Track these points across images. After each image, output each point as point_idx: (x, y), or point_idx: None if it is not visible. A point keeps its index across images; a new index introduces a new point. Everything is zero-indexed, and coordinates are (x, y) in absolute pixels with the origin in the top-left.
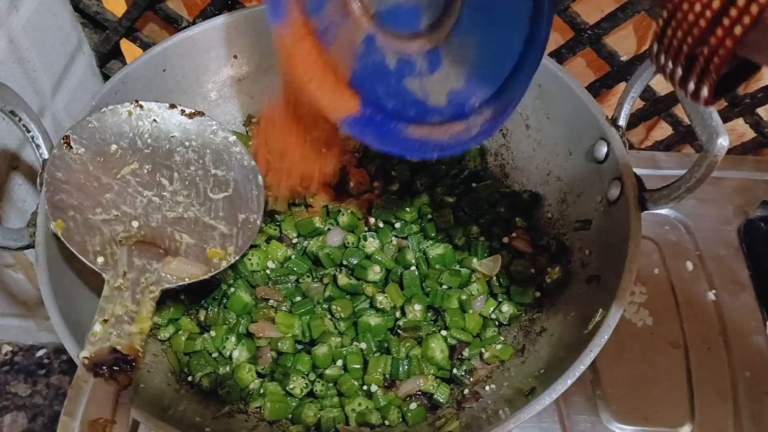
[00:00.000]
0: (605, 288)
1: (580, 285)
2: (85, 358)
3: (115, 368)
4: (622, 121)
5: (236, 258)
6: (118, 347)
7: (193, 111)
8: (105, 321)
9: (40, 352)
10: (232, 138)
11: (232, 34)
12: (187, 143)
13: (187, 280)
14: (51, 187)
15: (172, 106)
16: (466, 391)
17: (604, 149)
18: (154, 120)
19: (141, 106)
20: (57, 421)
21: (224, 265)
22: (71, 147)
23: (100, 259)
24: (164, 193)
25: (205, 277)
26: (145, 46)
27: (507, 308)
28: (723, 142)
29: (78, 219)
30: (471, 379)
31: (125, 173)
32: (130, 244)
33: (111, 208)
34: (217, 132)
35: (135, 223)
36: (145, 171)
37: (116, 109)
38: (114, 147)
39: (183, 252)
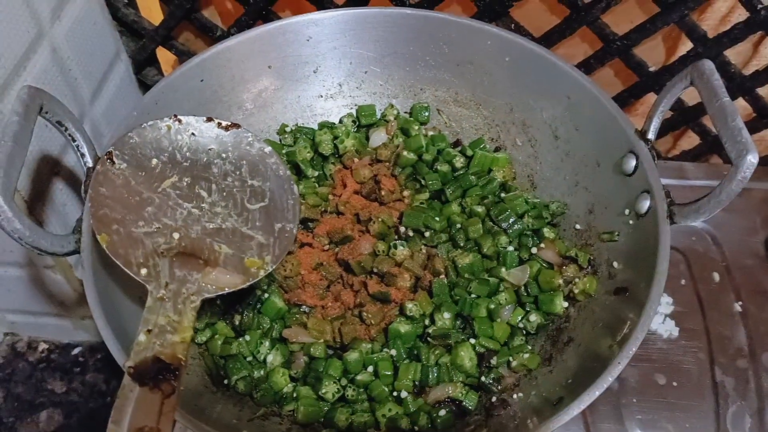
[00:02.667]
0: (633, 300)
1: (608, 296)
2: (130, 367)
3: (159, 377)
4: (651, 135)
5: (273, 267)
6: (162, 356)
7: (229, 123)
8: (149, 331)
9: (76, 350)
10: (268, 149)
11: (267, 46)
12: (224, 155)
13: (226, 289)
14: (95, 201)
15: (209, 120)
16: (494, 399)
17: (633, 162)
18: (192, 133)
19: (179, 121)
20: (92, 418)
21: (262, 274)
22: (114, 162)
23: (144, 271)
24: (203, 205)
25: (244, 286)
26: (180, 54)
27: (535, 318)
28: (752, 159)
29: (122, 232)
30: (499, 387)
31: (165, 186)
32: (171, 256)
33: (153, 221)
34: (252, 143)
35: (176, 235)
36: (185, 183)
37: (156, 124)
38: (154, 161)
39: (222, 262)
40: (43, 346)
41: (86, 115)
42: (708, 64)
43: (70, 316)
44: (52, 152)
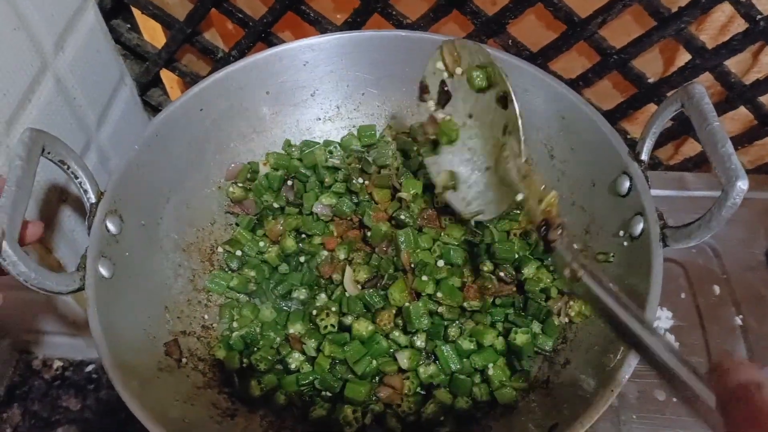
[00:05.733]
0: None
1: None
2: None
3: None
4: (644, 156)
5: None
6: None
7: None
8: None
9: (89, 368)
10: None
11: (264, 72)
12: None
13: None
14: None
15: None
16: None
17: (627, 184)
18: None
19: None
20: None
21: None
22: None
23: None
24: None
25: None
26: (183, 75)
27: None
28: (742, 185)
29: None
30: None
31: None
32: None
33: None
34: None
35: None
36: None
37: None
38: None
39: None
40: (57, 363)
41: (93, 142)
42: (698, 88)
43: (82, 335)
44: (59, 181)
